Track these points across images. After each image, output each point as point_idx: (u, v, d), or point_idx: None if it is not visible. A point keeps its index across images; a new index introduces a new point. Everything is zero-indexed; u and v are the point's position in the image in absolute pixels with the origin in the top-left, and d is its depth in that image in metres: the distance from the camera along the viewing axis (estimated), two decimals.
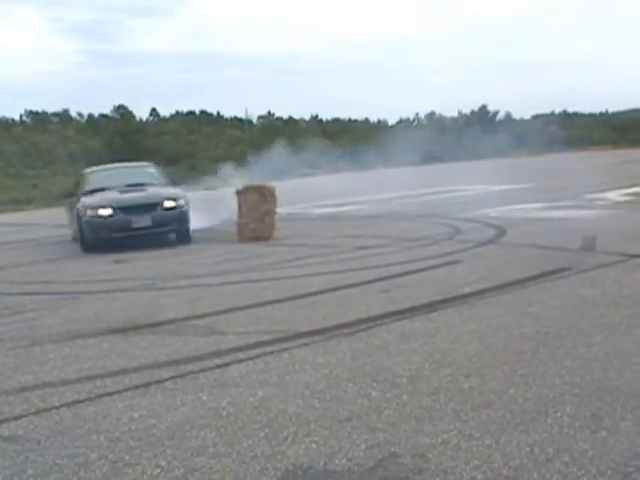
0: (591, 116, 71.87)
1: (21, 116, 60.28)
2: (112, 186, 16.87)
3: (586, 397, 5.22)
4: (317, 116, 65.12)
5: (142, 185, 17.11)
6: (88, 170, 19.02)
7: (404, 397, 5.41)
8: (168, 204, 16.20)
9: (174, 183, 17.82)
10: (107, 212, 15.80)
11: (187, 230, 16.52)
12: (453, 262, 11.31)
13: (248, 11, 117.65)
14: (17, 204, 35.85)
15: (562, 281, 9.38)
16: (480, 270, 10.37)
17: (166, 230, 16.38)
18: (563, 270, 9.96)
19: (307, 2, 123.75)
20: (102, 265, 13.66)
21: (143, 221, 15.88)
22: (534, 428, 4.73)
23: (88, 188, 17.11)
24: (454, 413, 5.05)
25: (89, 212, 15.86)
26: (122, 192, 16.60)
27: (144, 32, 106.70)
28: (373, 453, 4.48)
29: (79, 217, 16.10)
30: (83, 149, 43.96)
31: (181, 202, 16.41)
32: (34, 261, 15.18)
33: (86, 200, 16.33)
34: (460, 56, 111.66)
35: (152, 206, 16.09)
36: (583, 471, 4.10)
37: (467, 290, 8.96)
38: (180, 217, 16.27)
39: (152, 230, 16.04)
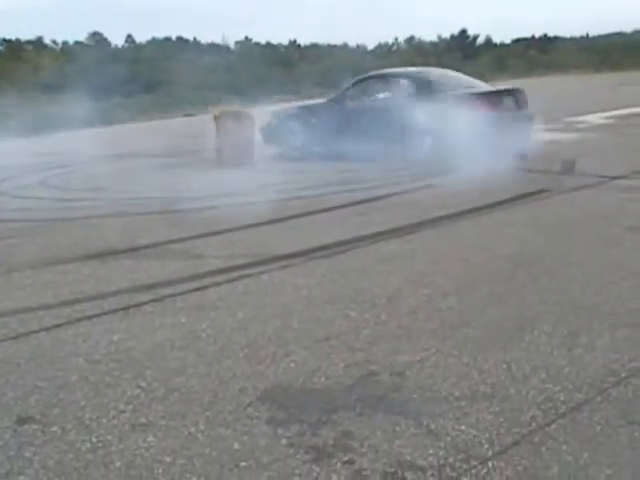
0: (572, 40, 71.32)
1: None
2: None
3: (564, 315, 5.26)
4: (295, 41, 64.46)
5: None
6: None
7: (382, 317, 5.44)
8: None
9: None
10: None
11: None
12: (431, 185, 11.29)
13: None
14: None
15: (541, 202, 9.41)
16: (459, 192, 10.36)
17: None
18: (542, 192, 9.98)
19: None
20: (82, 192, 13.53)
21: None
22: (511, 346, 4.77)
23: None
24: (432, 332, 5.09)
25: None
26: None
27: None
28: (351, 372, 4.51)
29: None
30: (57, 77, 43.35)
31: None
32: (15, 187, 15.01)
33: None
34: None
35: None
36: (559, 387, 4.15)
37: (445, 212, 8.95)
38: None
39: None
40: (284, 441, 3.74)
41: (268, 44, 60.63)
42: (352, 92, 15.97)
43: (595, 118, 20.86)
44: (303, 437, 3.76)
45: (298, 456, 3.58)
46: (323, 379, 4.43)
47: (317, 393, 4.27)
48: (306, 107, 17.15)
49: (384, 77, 16.18)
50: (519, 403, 3.98)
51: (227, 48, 59.66)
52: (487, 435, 3.67)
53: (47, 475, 3.58)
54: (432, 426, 3.78)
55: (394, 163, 13.71)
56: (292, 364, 4.68)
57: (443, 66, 19.58)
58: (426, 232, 8.12)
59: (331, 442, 3.69)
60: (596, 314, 5.26)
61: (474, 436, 3.67)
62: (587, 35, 73.28)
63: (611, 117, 20.86)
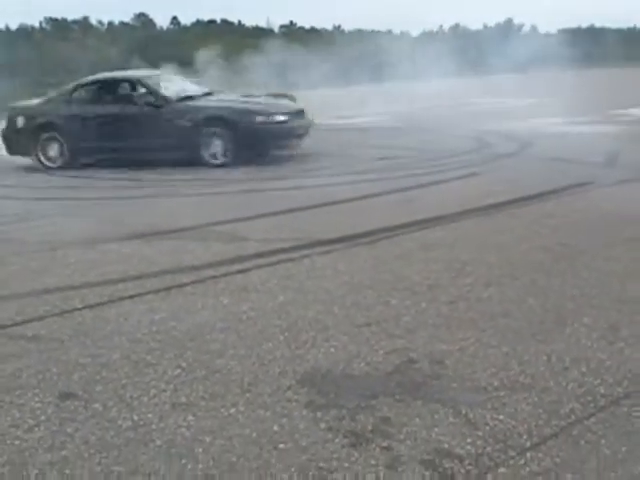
0: (619, 32, 70.29)
1: (41, 23, 59.78)
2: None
3: (604, 309, 5.23)
4: (340, 26, 64.24)
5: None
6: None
7: (423, 305, 5.45)
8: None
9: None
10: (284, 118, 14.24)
11: None
12: (475, 174, 11.26)
13: None
14: None
15: (583, 195, 9.34)
16: (502, 182, 10.32)
17: None
18: (584, 184, 9.90)
19: None
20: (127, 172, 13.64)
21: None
22: (552, 338, 4.76)
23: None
24: (472, 321, 5.09)
25: (259, 118, 13.82)
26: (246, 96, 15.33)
27: None
28: (391, 358, 4.53)
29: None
30: (103, 57, 43.57)
31: None
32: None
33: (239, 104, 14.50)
34: None
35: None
36: (599, 380, 4.13)
37: (488, 202, 8.92)
38: None
39: None
40: (323, 425, 3.76)
41: (312, 29, 60.50)
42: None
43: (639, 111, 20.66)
44: (342, 422, 3.78)
45: (337, 440, 3.60)
46: (363, 365, 4.46)
47: (356, 378, 4.29)
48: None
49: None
50: (558, 395, 3.98)
51: (271, 31, 59.69)
52: (525, 426, 3.67)
53: (88, 451, 3.63)
54: (470, 415, 3.79)
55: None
56: (332, 349, 4.70)
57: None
58: (469, 221, 8.10)
59: (370, 428, 3.71)
60: (637, 308, 5.22)
61: (512, 426, 3.67)
62: (634, 27, 72.29)
63: None
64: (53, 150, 14.54)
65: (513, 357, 4.48)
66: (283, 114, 14.08)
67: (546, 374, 4.24)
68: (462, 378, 4.23)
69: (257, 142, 13.58)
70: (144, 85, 14.54)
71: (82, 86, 15.09)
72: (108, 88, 15.01)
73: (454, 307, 5.38)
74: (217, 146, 13.54)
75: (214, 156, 13.52)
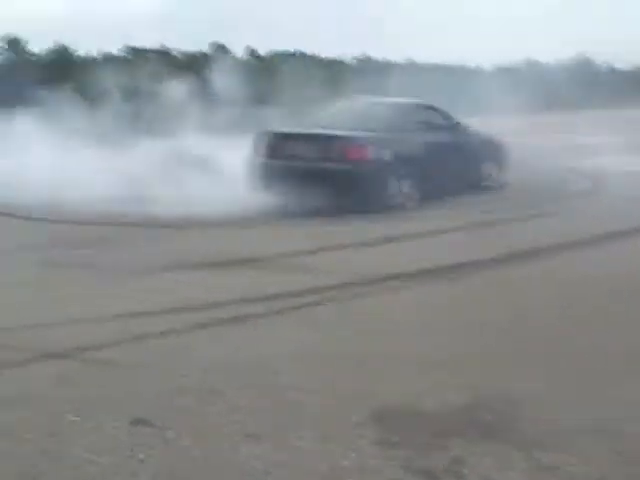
0: None
1: (120, 51, 60.90)
2: None
3: None
4: (412, 59, 64.52)
5: None
6: None
7: (497, 343, 5.42)
8: None
9: None
10: None
11: None
12: (550, 213, 11.19)
13: None
14: None
15: None
16: (577, 221, 10.25)
17: None
18: None
19: None
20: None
21: None
22: (629, 381, 4.68)
23: None
24: (547, 361, 5.04)
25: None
26: None
27: None
28: (462, 396, 4.48)
29: None
30: (179, 85, 44.18)
31: None
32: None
33: None
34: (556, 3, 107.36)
35: None
36: None
37: (563, 240, 8.84)
38: None
39: None
40: (394, 462, 3.73)
41: (385, 61, 60.73)
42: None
43: None
44: (413, 460, 3.74)
45: (408, 479, 3.57)
46: (433, 402, 4.42)
47: (427, 416, 4.26)
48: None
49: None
50: (634, 441, 3.90)
51: (344, 63, 60.05)
52: (600, 471, 3.60)
53: (159, 478, 3.64)
54: (544, 459, 3.72)
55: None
56: (402, 385, 4.67)
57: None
58: (554, 258, 8.13)
59: (441, 467, 3.66)
60: None
61: (586, 472, 3.59)
62: None
63: None
64: (409, 188, 11.92)
65: (588, 399, 4.41)
66: None
67: (622, 418, 4.15)
68: (535, 419, 4.17)
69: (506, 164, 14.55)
70: (439, 111, 13.59)
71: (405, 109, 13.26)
72: (411, 113, 13.09)
73: (529, 346, 5.33)
74: (489, 168, 14.04)
75: (487, 178, 14.01)
